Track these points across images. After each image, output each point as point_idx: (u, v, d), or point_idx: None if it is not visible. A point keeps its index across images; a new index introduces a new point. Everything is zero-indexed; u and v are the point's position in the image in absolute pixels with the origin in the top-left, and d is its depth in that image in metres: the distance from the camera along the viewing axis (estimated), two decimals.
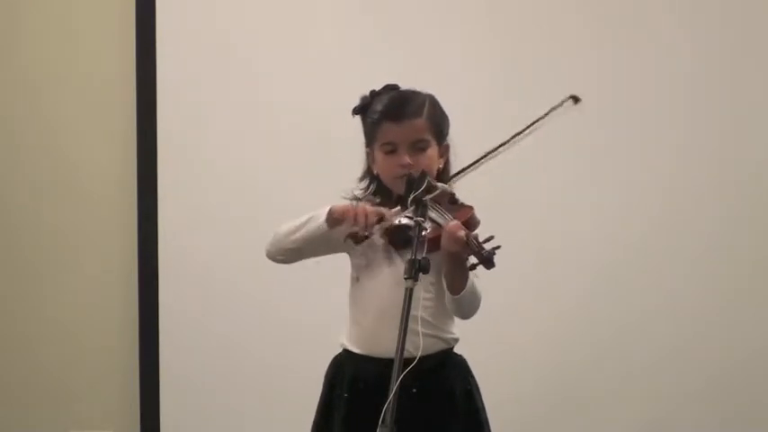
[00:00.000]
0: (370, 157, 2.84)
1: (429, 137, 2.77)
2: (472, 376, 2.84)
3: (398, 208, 2.68)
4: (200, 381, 4.14)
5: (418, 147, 2.76)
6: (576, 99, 2.73)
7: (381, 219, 2.67)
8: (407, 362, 2.43)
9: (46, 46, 4.23)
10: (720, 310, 4.19)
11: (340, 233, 2.72)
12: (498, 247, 2.51)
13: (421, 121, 2.77)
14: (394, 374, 2.36)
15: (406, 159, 2.74)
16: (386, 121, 2.76)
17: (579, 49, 4.17)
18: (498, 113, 3.99)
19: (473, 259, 2.56)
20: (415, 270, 2.46)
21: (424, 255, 2.49)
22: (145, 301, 4.16)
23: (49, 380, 4.26)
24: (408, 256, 2.52)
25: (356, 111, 2.86)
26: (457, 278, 2.65)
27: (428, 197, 2.63)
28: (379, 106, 2.79)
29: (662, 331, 4.17)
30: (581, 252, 4.16)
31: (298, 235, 2.75)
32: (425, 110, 2.78)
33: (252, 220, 4.07)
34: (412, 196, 2.62)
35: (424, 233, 2.53)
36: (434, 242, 2.61)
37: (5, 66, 4.25)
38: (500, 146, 2.71)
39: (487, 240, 2.53)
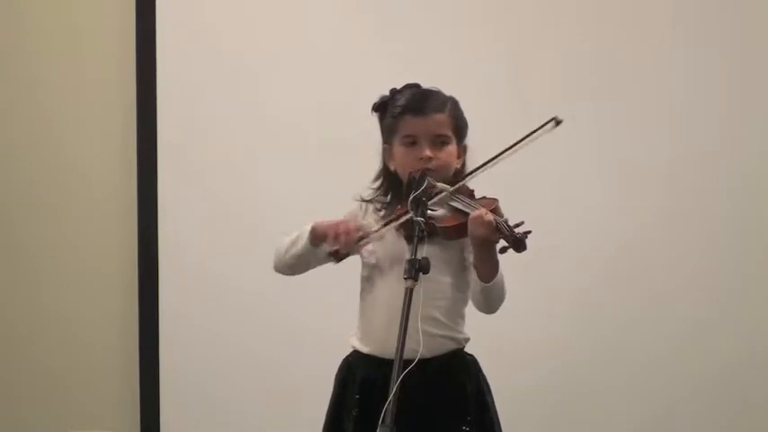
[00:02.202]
0: (387, 153, 2.84)
1: (450, 133, 2.78)
2: (483, 375, 2.85)
3: (379, 225, 2.71)
4: (200, 381, 4.14)
5: (439, 141, 2.77)
6: (557, 122, 2.73)
7: (363, 236, 2.69)
8: (417, 362, 2.44)
9: (47, 48, 4.24)
10: (721, 308, 4.20)
11: (323, 250, 2.75)
12: (529, 232, 2.52)
13: (443, 117, 2.78)
14: (394, 374, 2.36)
15: (427, 152, 2.74)
16: (408, 113, 2.78)
17: (579, 50, 4.18)
18: (498, 114, 4.01)
19: (503, 245, 2.57)
20: (415, 270, 2.47)
21: (445, 240, 2.54)
22: (145, 302, 4.16)
23: (49, 380, 4.26)
24: (423, 252, 2.55)
25: (375, 107, 2.87)
26: (488, 264, 2.65)
27: (447, 192, 2.64)
28: (401, 100, 2.80)
29: (662, 329, 4.18)
30: (581, 251, 4.16)
31: (290, 254, 2.80)
32: (448, 107, 2.80)
33: (252, 219, 4.08)
34: (412, 196, 2.63)
35: (424, 233, 2.54)
36: (457, 229, 2.62)
37: (6, 66, 4.25)
38: (478, 168, 2.73)
39: (517, 225, 2.55)
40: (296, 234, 2.79)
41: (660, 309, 4.18)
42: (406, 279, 2.46)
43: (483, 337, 3.88)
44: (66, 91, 4.23)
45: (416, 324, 2.49)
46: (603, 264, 4.17)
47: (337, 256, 2.72)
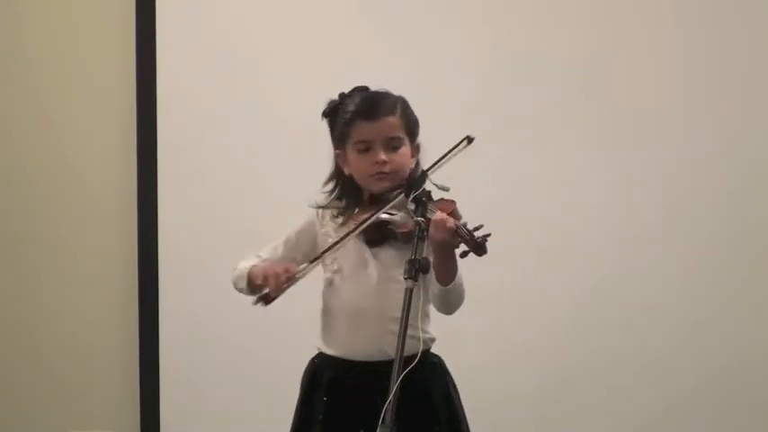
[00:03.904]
0: (340, 158, 2.84)
1: (403, 135, 2.78)
2: (450, 376, 2.83)
3: (305, 264, 2.72)
4: (200, 381, 4.14)
5: (392, 145, 2.76)
6: (470, 140, 2.73)
7: (291, 277, 2.69)
8: (381, 363, 2.44)
9: (47, 47, 4.24)
10: (721, 308, 4.20)
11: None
12: (489, 235, 2.51)
13: (395, 119, 2.77)
14: (394, 374, 2.36)
15: (382, 156, 2.74)
16: (360, 119, 2.77)
17: (579, 49, 4.18)
18: (496, 113, 4.01)
19: (464, 248, 2.57)
20: (416, 270, 2.46)
21: (408, 247, 2.54)
22: (145, 302, 4.16)
23: (48, 380, 4.26)
24: (383, 255, 2.64)
25: (326, 113, 2.87)
26: (447, 268, 2.63)
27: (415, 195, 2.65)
28: (351, 106, 2.80)
29: (662, 329, 4.18)
30: (581, 251, 4.16)
31: (237, 287, 2.83)
32: (398, 109, 2.79)
33: (252, 220, 4.08)
34: (412, 196, 2.63)
35: (424, 233, 2.55)
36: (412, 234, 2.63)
37: (6, 66, 4.25)
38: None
39: (477, 229, 2.54)
40: (241, 269, 2.81)
41: (660, 309, 4.18)
42: (406, 279, 2.46)
43: (483, 337, 3.89)
44: (66, 91, 4.23)
45: (392, 326, 2.49)
46: (603, 264, 4.17)
47: (267, 300, 2.73)
